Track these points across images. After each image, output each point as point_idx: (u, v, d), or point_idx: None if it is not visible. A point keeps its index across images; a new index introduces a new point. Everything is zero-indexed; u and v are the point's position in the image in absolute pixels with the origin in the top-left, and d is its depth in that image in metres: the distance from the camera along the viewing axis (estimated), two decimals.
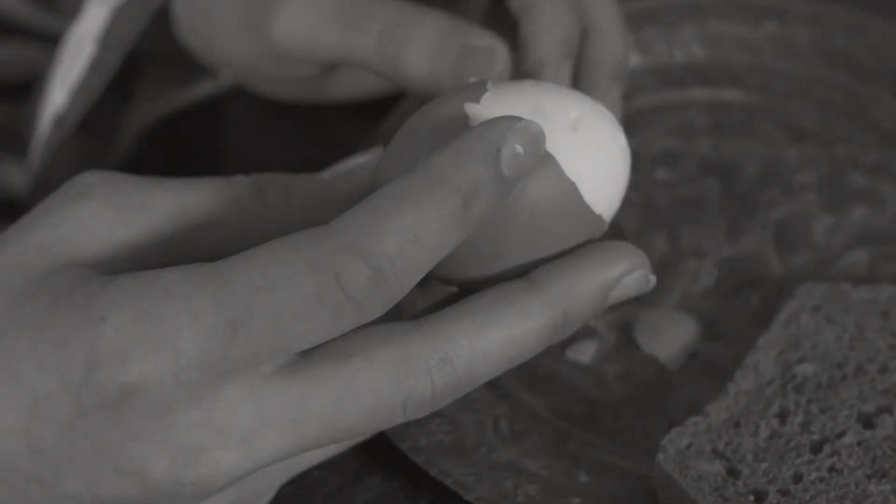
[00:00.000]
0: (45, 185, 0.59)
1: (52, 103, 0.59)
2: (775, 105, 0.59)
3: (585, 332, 0.51)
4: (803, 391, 0.47)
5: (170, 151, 0.60)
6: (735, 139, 0.58)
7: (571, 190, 0.41)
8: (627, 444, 0.48)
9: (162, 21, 0.58)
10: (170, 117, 0.59)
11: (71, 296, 0.39)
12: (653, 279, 0.42)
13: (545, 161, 0.41)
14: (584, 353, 0.51)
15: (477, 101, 0.41)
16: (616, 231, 0.45)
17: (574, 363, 0.51)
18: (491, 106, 0.41)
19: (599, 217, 0.42)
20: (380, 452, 0.48)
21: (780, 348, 0.48)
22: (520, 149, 0.39)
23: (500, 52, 0.46)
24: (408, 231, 0.38)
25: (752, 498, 0.43)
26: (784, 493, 0.44)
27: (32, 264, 0.40)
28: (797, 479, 0.44)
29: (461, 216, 0.38)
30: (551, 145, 0.40)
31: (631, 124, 0.58)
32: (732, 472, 0.44)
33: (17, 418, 0.39)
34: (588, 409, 0.50)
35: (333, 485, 0.48)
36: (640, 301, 0.52)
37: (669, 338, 0.51)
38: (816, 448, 0.45)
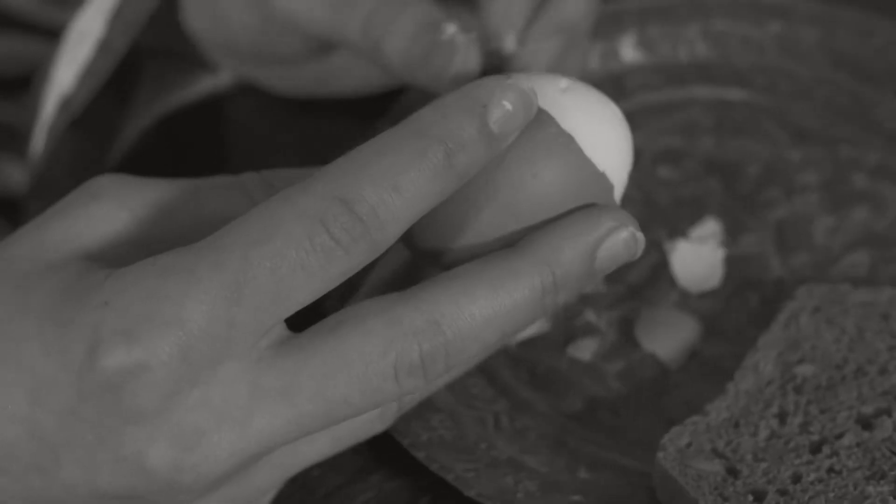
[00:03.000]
0: (45, 181, 0.59)
1: (57, 86, 0.59)
2: (779, 105, 0.59)
3: (586, 330, 0.52)
4: (803, 392, 0.47)
5: (171, 150, 0.60)
6: (738, 139, 0.58)
7: (569, 142, 0.42)
8: (627, 441, 0.49)
9: (165, 12, 0.58)
10: (171, 116, 0.60)
11: (76, 285, 0.39)
12: (641, 238, 0.42)
13: (539, 118, 0.41)
14: (585, 350, 0.51)
15: None
16: None
17: (574, 360, 0.51)
18: None
19: (603, 175, 0.42)
20: (380, 452, 0.49)
21: (779, 349, 0.48)
22: (508, 105, 0.40)
23: (460, 45, 0.47)
24: (386, 179, 0.39)
25: (751, 498, 0.44)
26: (783, 493, 0.44)
27: (42, 257, 0.41)
28: (796, 479, 0.44)
29: (443, 168, 0.39)
30: (544, 106, 0.42)
31: (633, 121, 0.57)
32: (732, 472, 0.45)
33: (18, 404, 0.39)
34: (588, 407, 0.50)
35: (333, 484, 0.48)
36: (641, 299, 0.52)
37: (670, 336, 0.51)
38: (815, 449, 0.45)
